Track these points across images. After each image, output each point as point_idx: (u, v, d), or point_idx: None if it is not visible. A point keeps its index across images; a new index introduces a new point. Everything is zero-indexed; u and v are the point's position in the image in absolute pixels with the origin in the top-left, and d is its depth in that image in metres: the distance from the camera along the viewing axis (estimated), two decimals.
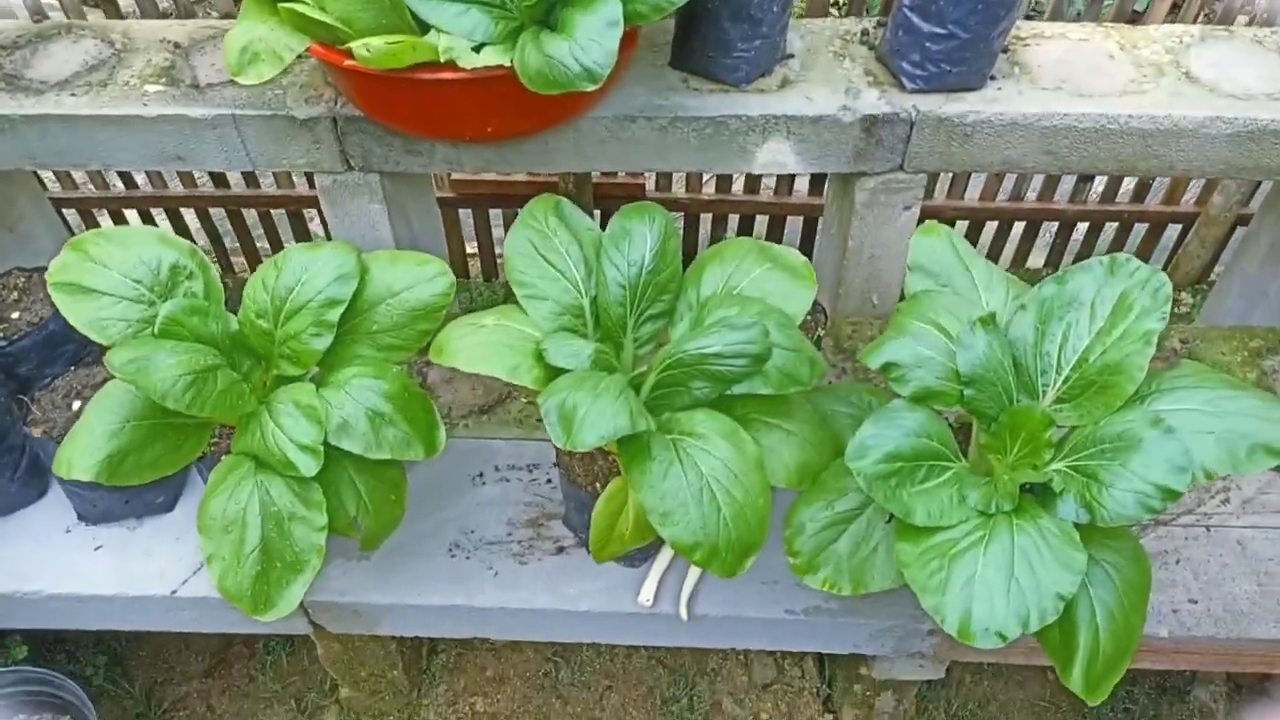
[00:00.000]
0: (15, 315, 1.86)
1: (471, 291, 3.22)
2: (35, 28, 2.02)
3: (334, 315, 1.41)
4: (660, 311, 1.46)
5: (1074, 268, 1.41)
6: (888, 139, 1.78)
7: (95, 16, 2.83)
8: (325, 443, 1.35)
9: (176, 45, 1.96)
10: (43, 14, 2.50)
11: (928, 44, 1.71)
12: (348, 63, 1.42)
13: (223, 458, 1.46)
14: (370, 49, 1.38)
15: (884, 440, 1.28)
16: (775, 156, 1.82)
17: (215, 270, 1.46)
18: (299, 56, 1.54)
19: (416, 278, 1.46)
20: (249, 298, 1.43)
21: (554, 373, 1.35)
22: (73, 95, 1.82)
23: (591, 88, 1.33)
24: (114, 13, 2.76)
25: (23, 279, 1.91)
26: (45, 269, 1.88)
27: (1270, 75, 1.82)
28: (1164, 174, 1.83)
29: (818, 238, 2.32)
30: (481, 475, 1.86)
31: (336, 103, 1.77)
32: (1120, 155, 1.78)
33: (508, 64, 1.42)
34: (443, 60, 1.42)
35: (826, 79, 1.82)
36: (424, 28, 1.47)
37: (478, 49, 1.43)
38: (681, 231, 3.18)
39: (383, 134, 1.79)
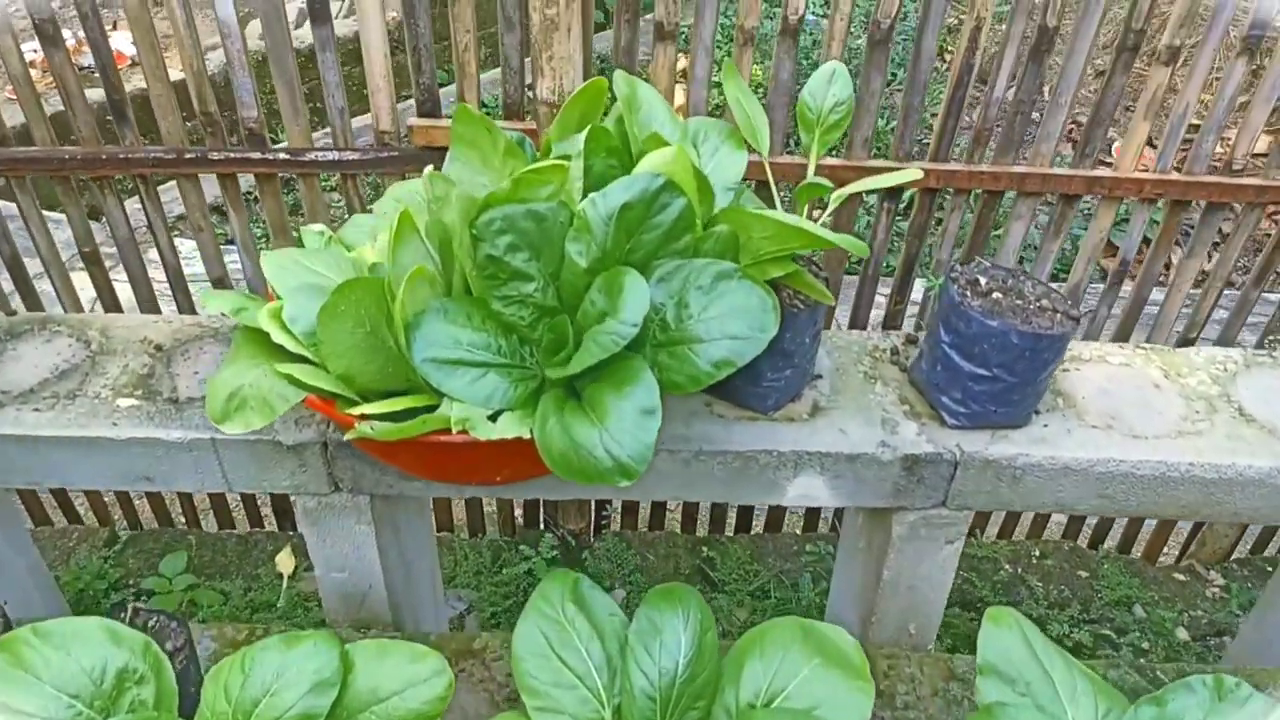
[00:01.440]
0: None
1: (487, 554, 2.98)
2: (6, 323, 1.88)
3: None
4: (697, 717, 1.25)
5: (1174, 686, 1.23)
6: (930, 478, 1.64)
7: None
8: None
9: (158, 348, 1.81)
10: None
11: (970, 384, 1.60)
12: (350, 435, 1.26)
13: None
14: (375, 429, 1.23)
15: None
16: (808, 491, 1.66)
17: (170, 669, 1.24)
18: None
19: (409, 679, 1.25)
20: (207, 704, 1.21)
21: None
22: (36, 410, 1.65)
23: (626, 484, 1.17)
24: None
25: None
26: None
27: None
28: (1229, 520, 1.70)
29: (838, 556, 2.14)
30: None
31: (329, 426, 1.61)
32: (1181, 502, 1.65)
33: (527, 435, 1.27)
34: (455, 432, 1.26)
35: (860, 406, 1.70)
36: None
37: (494, 416, 1.28)
38: None
39: (378, 462, 1.62)
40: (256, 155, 2.26)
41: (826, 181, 1.56)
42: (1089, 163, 2.25)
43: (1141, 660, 2.59)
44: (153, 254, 2.55)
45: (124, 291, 2.55)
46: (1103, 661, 2.01)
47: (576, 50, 2.00)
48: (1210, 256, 3.42)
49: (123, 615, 1.68)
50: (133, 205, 2.52)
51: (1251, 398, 1.74)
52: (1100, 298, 2.49)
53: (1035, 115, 2.31)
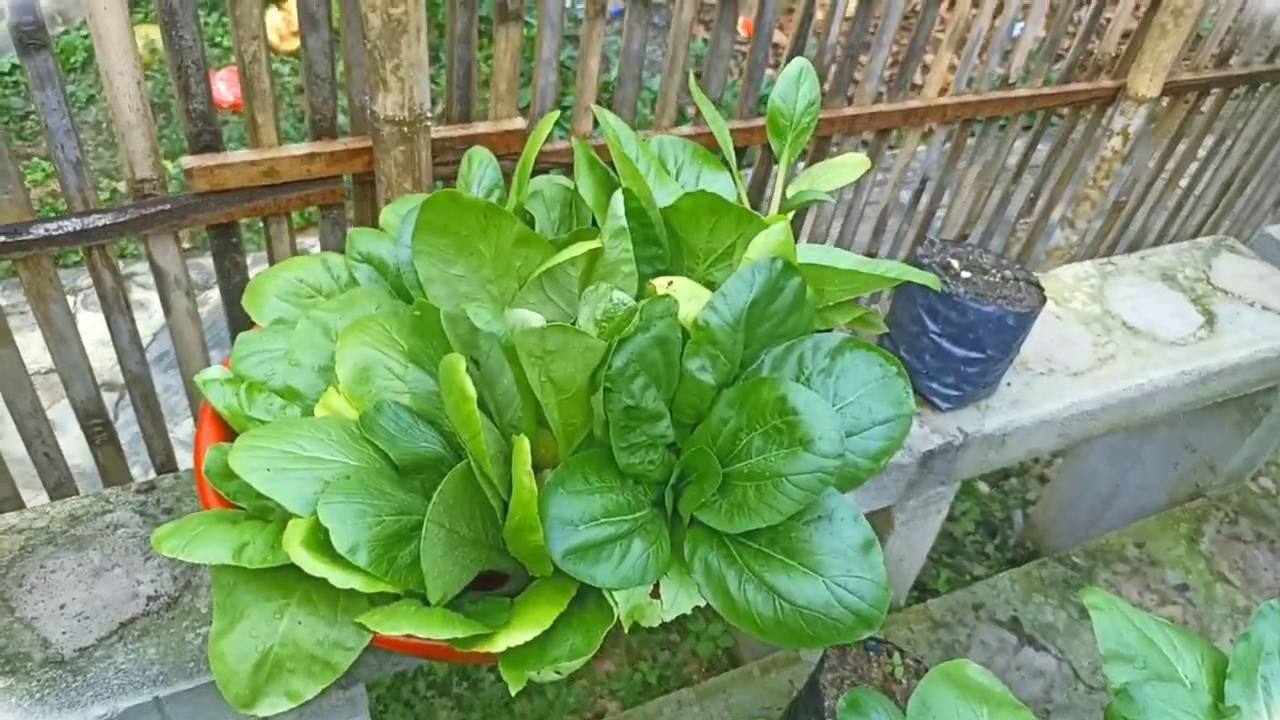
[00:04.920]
0: None
1: None
2: None
3: None
4: None
5: (1254, 618, 1.39)
6: (938, 466, 1.65)
7: None
8: None
9: None
10: None
11: (963, 367, 1.61)
12: (519, 688, 0.95)
13: None
14: (564, 670, 0.93)
15: None
16: None
17: None
18: None
19: None
20: None
21: None
22: None
23: (867, 634, 1.02)
24: None
25: None
26: None
27: (1177, 311, 1.99)
28: (1139, 425, 1.93)
29: None
30: None
31: None
32: (1112, 421, 1.83)
33: (702, 603, 1.05)
34: (628, 630, 1.01)
35: None
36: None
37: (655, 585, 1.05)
38: None
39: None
40: None
41: (826, 196, 1.43)
42: (901, 95, 2.32)
43: None
44: None
45: None
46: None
47: (424, 54, 1.60)
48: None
49: None
50: None
51: (1127, 310, 1.97)
52: (904, 217, 2.64)
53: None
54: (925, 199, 2.64)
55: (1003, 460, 1.75)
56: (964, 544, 2.90)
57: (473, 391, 0.97)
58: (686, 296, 1.10)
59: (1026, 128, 3.47)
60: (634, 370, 0.99)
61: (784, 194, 1.50)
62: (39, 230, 1.62)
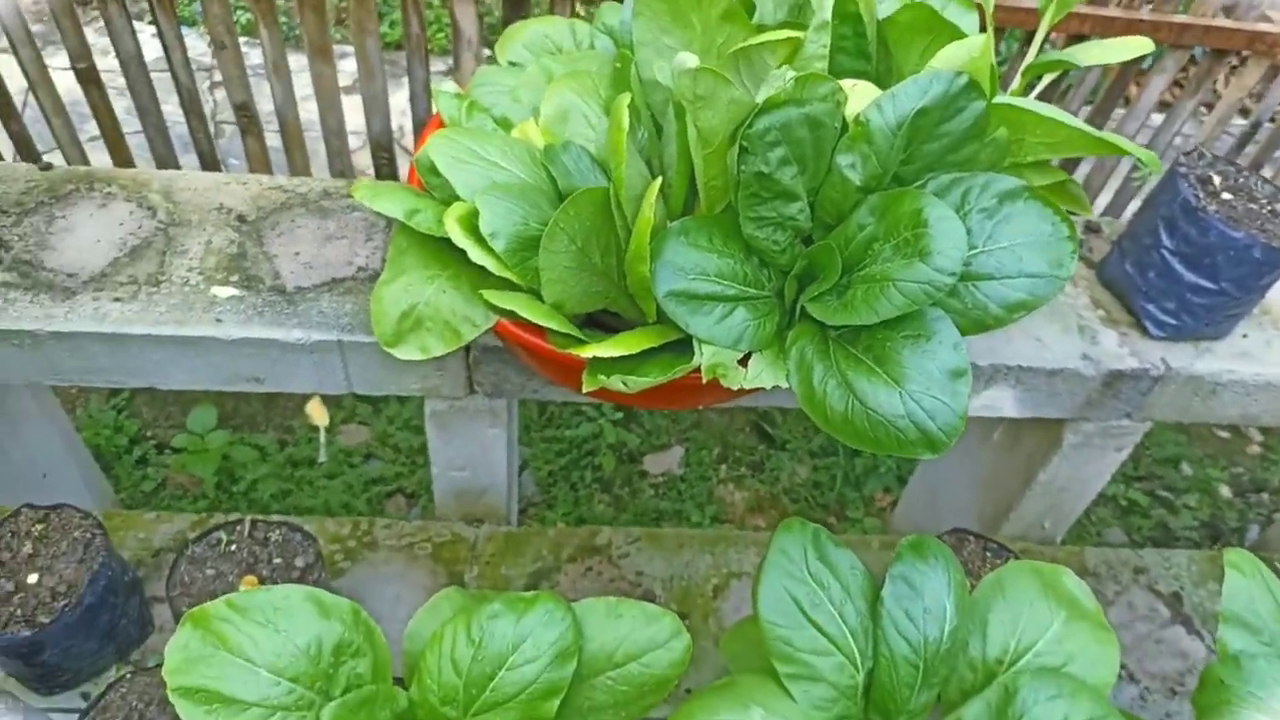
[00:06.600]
0: (34, 579, 1.43)
1: None
2: (44, 179, 1.55)
3: (552, 707, 1.07)
4: (944, 675, 1.18)
5: None
6: (1127, 393, 1.53)
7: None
8: None
9: (241, 219, 1.53)
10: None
11: (1189, 295, 1.46)
12: (590, 387, 1.06)
13: None
14: (629, 385, 1.03)
15: None
16: (991, 403, 1.54)
17: (380, 635, 1.10)
18: None
19: (645, 642, 1.13)
20: (430, 676, 1.08)
21: None
22: (118, 300, 1.39)
23: (930, 457, 1.02)
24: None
25: (38, 524, 1.48)
26: (65, 509, 1.47)
27: None
28: None
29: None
30: None
31: None
32: None
33: (785, 385, 1.09)
34: (705, 380, 1.08)
35: (1052, 309, 1.55)
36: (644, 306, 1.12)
37: (744, 359, 1.10)
38: None
39: (526, 368, 1.43)
40: None
41: (1072, 58, 1.33)
42: (1253, 15, 2.03)
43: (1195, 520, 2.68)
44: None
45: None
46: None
47: None
48: None
49: (239, 527, 1.52)
50: None
51: None
52: None
53: None
54: (1254, 147, 2.32)
55: (1210, 414, 1.58)
56: (1177, 536, 2.63)
57: (627, 124, 1.06)
58: (864, 97, 1.10)
59: None
60: (774, 138, 1.02)
61: (1036, 54, 1.41)
62: None
